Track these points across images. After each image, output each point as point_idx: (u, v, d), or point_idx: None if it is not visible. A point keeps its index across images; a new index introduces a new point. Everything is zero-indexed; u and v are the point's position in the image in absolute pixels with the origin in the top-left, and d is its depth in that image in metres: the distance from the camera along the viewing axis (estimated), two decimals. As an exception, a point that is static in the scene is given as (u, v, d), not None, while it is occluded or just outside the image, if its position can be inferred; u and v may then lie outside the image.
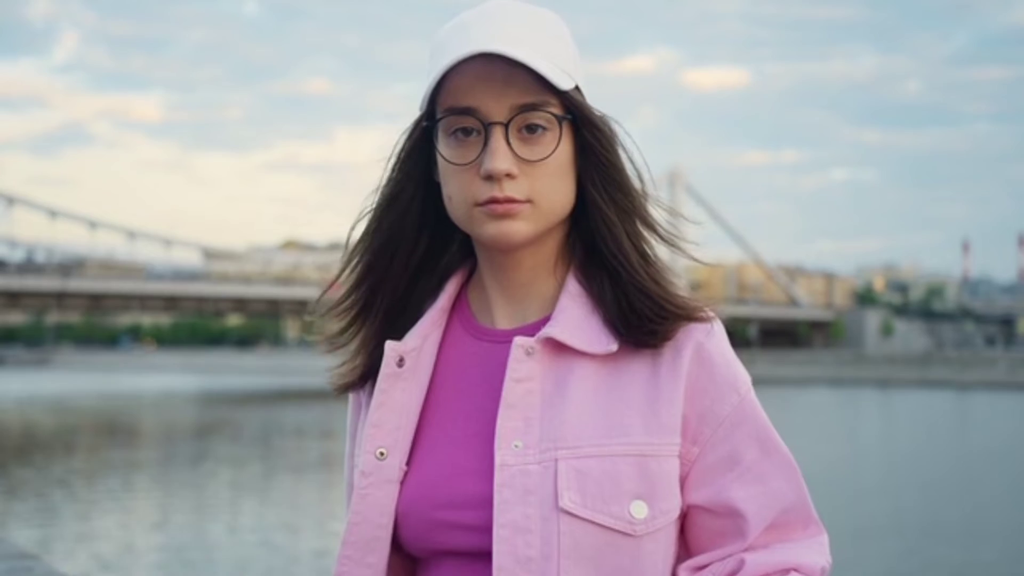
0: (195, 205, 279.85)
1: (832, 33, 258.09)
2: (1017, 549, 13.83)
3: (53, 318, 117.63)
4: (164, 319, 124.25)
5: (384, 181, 1.37)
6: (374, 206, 1.38)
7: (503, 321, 1.36)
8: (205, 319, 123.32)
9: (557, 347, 1.29)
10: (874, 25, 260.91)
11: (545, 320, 1.32)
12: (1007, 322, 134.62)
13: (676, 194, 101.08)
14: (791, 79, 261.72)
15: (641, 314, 1.29)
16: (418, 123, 1.35)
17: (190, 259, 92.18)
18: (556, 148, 1.28)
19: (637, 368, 1.29)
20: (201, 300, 74.53)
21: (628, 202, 1.32)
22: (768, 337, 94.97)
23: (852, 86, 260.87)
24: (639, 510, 1.24)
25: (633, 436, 1.25)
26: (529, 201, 1.27)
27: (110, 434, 31.39)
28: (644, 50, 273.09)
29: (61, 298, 65.73)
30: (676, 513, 1.28)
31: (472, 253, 1.40)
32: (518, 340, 1.28)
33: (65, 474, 21.10)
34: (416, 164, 1.36)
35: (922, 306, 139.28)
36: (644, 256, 1.32)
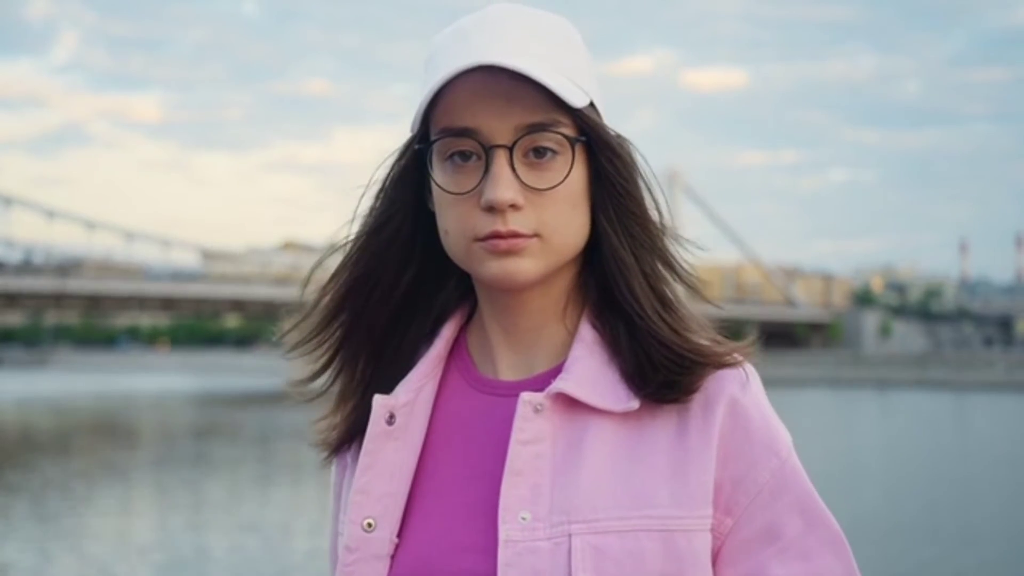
0: (194, 205, 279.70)
1: (831, 34, 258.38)
2: (1016, 550, 13.84)
3: (51, 319, 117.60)
4: (162, 320, 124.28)
5: (367, 210, 1.22)
6: (354, 235, 1.22)
7: (507, 371, 1.19)
8: (203, 320, 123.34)
9: (570, 403, 1.12)
10: (873, 25, 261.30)
11: (555, 371, 1.15)
12: (1005, 323, 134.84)
13: (675, 195, 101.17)
14: (790, 79, 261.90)
15: (659, 365, 1.12)
16: (409, 145, 1.18)
17: (188, 260, 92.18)
18: (568, 174, 1.12)
19: (662, 427, 1.13)
20: (199, 301, 74.50)
21: (646, 238, 1.16)
22: (766, 338, 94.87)
23: (851, 87, 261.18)
24: None
25: (658, 507, 1.09)
26: (536, 235, 1.11)
27: (108, 435, 31.35)
28: (643, 51, 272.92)
29: (59, 299, 65.70)
30: None
31: (471, 292, 1.24)
32: (525, 396, 1.12)
33: (62, 475, 21.06)
34: (406, 190, 1.20)
35: (920, 307, 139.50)
36: (663, 300, 1.16)
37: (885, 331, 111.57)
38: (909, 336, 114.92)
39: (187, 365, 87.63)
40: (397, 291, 1.22)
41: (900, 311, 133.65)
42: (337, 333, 1.23)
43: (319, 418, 1.26)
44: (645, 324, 1.14)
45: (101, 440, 29.73)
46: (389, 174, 1.21)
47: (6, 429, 34.53)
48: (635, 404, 1.12)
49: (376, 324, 1.22)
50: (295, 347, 1.25)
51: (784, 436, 1.16)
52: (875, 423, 35.81)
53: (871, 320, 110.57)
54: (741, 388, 1.14)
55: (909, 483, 20.04)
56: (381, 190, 1.21)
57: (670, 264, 1.18)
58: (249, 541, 13.97)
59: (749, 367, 1.16)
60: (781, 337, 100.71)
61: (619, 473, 1.10)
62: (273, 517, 16.08)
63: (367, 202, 1.22)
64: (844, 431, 31.88)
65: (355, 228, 1.23)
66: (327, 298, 1.22)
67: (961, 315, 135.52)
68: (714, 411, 1.12)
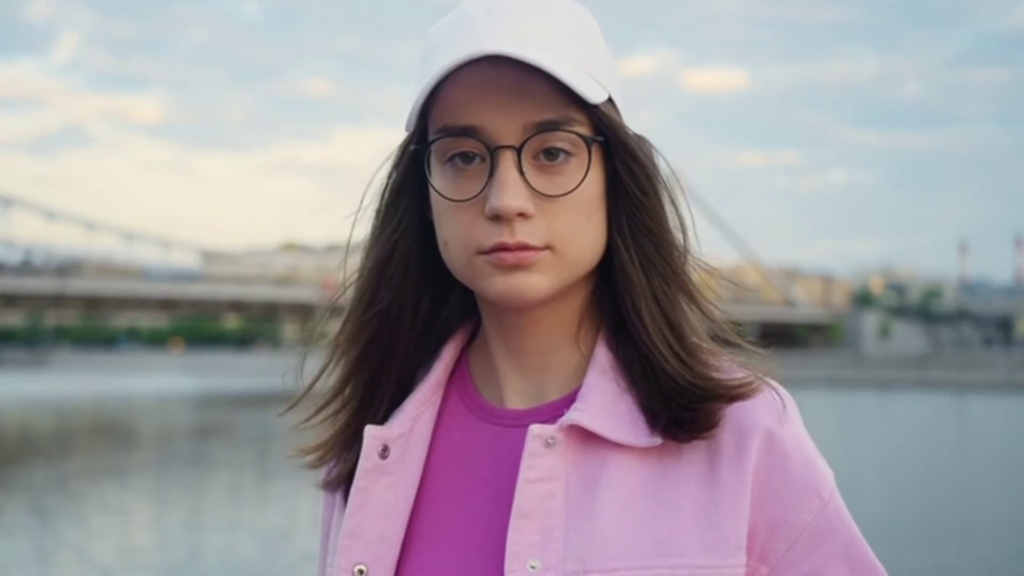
0: (194, 206, 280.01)
1: (832, 34, 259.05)
2: (1018, 551, 13.82)
3: (51, 319, 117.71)
4: (162, 320, 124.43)
5: (370, 238, 1.08)
6: (360, 274, 1.08)
7: (514, 398, 1.06)
8: (203, 320, 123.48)
9: (585, 437, 0.99)
10: (874, 26, 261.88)
11: (568, 399, 1.03)
12: (1005, 324, 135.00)
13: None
14: (790, 80, 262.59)
15: (668, 398, 1.00)
16: (405, 147, 1.05)
17: (188, 260, 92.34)
18: (583, 179, 0.99)
19: (689, 463, 1.00)
20: (199, 302, 74.52)
21: (660, 258, 1.02)
22: (765, 339, 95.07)
23: (851, 87, 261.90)
24: None
25: (686, 555, 0.96)
26: (548, 247, 0.98)
27: (107, 436, 31.34)
28: (644, 51, 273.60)
29: (59, 300, 65.70)
30: None
31: (474, 310, 1.11)
32: (534, 429, 0.99)
33: (62, 475, 21.05)
34: (407, 202, 1.06)
35: (920, 307, 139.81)
36: (673, 328, 1.02)
37: (885, 332, 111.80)
38: (909, 337, 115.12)
39: (187, 365, 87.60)
40: (417, 323, 1.09)
41: (900, 312, 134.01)
42: (361, 391, 1.09)
43: (310, 448, 1.14)
44: (651, 353, 1.01)
45: (100, 441, 29.72)
46: (386, 187, 1.08)
47: (6, 429, 34.50)
48: (658, 439, 1.00)
49: (400, 368, 1.10)
50: (311, 417, 1.12)
51: (826, 473, 1.04)
52: (875, 424, 35.80)
53: (871, 321, 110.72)
54: (778, 420, 1.02)
55: (909, 484, 20.02)
56: (379, 210, 1.08)
57: (689, 292, 1.04)
58: (248, 542, 13.95)
59: (786, 395, 1.05)
60: (781, 338, 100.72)
61: (641, 516, 0.98)
62: (272, 518, 16.06)
63: (365, 225, 1.09)
64: (844, 432, 31.87)
65: (355, 260, 1.10)
66: (339, 352, 1.09)
67: (961, 315, 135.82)
68: (748, 446, 1.00)
